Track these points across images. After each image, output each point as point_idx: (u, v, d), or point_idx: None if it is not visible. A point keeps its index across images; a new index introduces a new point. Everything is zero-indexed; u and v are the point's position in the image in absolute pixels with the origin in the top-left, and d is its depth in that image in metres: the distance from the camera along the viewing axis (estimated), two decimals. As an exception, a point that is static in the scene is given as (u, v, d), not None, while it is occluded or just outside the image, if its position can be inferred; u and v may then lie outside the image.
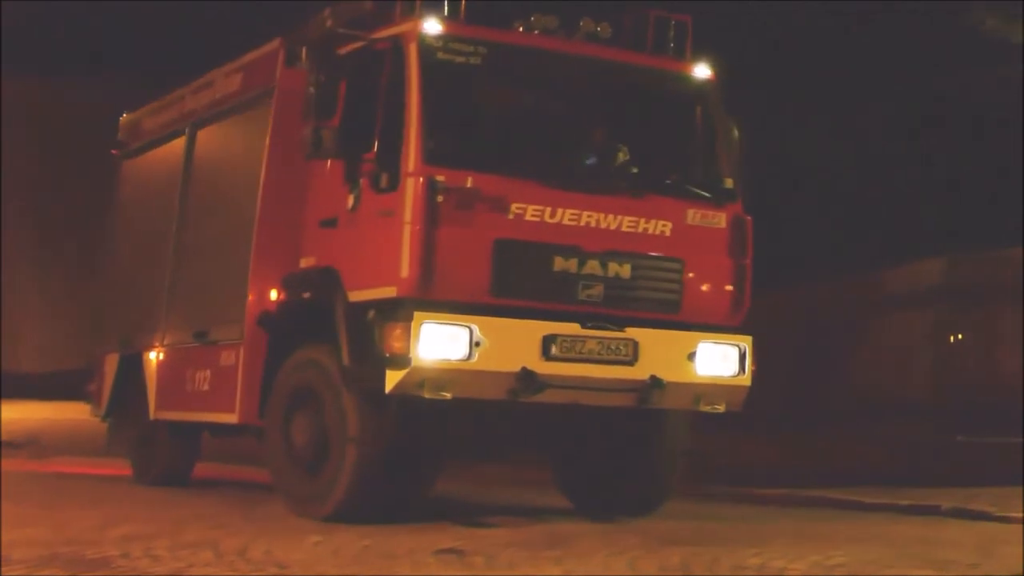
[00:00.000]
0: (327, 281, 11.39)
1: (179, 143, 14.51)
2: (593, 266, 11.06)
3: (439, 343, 10.55)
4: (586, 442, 12.28)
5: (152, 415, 14.14)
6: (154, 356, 14.22)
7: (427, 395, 10.61)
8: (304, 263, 11.92)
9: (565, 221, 11.03)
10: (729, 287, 11.55)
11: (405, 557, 9.43)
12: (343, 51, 11.29)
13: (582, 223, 11.08)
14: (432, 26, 11.05)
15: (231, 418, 12.52)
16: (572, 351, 10.94)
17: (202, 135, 14.14)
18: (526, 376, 10.74)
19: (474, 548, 9.78)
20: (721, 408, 11.50)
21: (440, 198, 10.62)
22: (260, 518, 11.58)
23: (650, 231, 11.29)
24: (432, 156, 10.69)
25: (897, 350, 23.18)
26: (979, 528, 12.34)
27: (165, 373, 14.03)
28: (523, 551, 9.72)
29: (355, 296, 11.13)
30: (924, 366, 23.23)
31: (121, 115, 16.26)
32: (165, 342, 14.13)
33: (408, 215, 10.64)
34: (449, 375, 10.60)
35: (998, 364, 20.37)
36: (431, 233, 10.61)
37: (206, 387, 13.08)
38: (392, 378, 10.59)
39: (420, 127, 10.73)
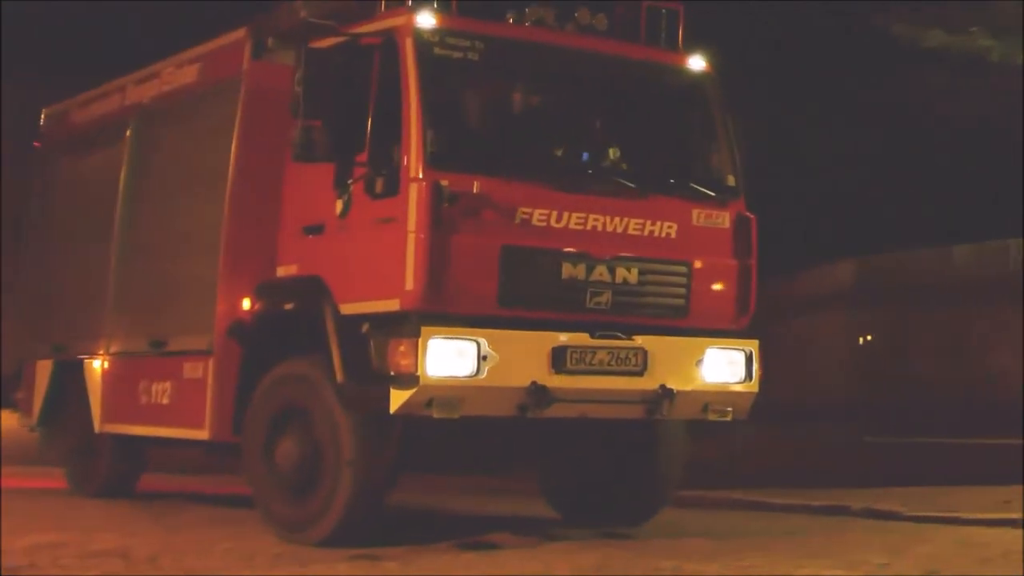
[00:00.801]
0: (313, 292, 10.66)
1: (119, 137, 13.62)
2: (601, 272, 10.48)
3: (447, 359, 9.92)
4: (582, 451, 11.74)
5: (97, 428, 13.32)
6: (98, 365, 13.40)
7: (436, 415, 9.99)
8: (283, 271, 11.18)
9: (572, 225, 10.43)
10: (735, 289, 11.05)
11: (319, 562, 9.36)
12: (326, 45, 10.54)
13: (588, 227, 10.50)
14: (426, 19, 10.35)
15: (200, 434, 11.77)
16: (582, 363, 10.37)
17: (149, 129, 13.30)
18: (537, 391, 10.15)
19: (391, 553, 9.80)
20: (728, 416, 11.02)
21: (445, 204, 9.99)
22: (174, 526, 11.39)
23: (656, 233, 10.74)
24: (435, 159, 10.02)
25: (812, 351, 23.08)
26: (889, 527, 12.43)
27: (112, 383, 13.23)
28: (442, 556, 9.80)
29: (347, 308, 10.43)
30: (838, 367, 23.24)
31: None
32: (111, 350, 13.29)
33: (412, 223, 9.95)
34: (457, 392, 9.97)
35: (910, 365, 20.30)
36: (437, 242, 9.94)
37: (166, 400, 12.31)
38: (398, 397, 9.92)
39: (421, 128, 10.04)
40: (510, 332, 10.11)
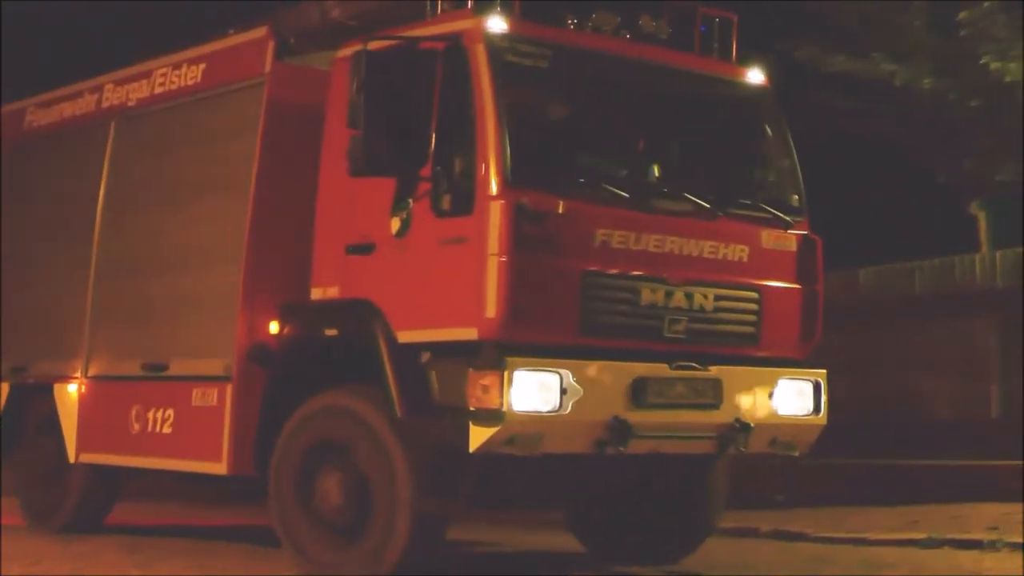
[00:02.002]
0: (365, 317, 9.80)
1: (96, 140, 12.54)
2: (679, 298, 9.79)
3: (531, 393, 9.10)
4: (630, 484, 11.03)
5: (73, 458, 12.21)
6: (74, 389, 12.30)
7: (518, 453, 9.22)
8: (318, 294, 10.28)
9: (650, 248, 9.74)
10: (802, 316, 10.45)
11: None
12: (382, 49, 9.64)
13: (665, 250, 9.80)
14: (497, 23, 9.57)
15: (215, 468, 10.80)
16: (661, 396, 9.65)
17: (135, 132, 12.25)
18: (618, 426, 9.41)
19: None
20: (795, 451, 10.41)
21: (526, 224, 9.21)
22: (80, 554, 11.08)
23: (729, 257, 10.08)
24: (515, 175, 9.24)
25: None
26: (796, 549, 12.56)
27: (93, 410, 12.18)
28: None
29: (405, 336, 9.61)
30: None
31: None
32: (90, 373, 12.20)
33: (493, 245, 9.13)
34: (540, 428, 9.19)
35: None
36: (519, 266, 9.14)
37: (168, 430, 11.29)
38: (479, 434, 9.10)
39: (499, 142, 9.23)
40: (592, 363, 9.35)
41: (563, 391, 9.19)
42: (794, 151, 10.61)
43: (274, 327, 10.64)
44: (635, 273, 9.64)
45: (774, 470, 14.78)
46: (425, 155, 9.46)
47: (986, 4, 18.01)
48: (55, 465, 12.55)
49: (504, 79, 9.39)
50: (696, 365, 9.83)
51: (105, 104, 12.62)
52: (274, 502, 10.36)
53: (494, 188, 9.19)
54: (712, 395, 9.90)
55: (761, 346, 10.23)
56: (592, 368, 9.33)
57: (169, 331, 11.44)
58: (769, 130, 10.68)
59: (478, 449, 9.14)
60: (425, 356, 9.55)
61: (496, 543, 12.28)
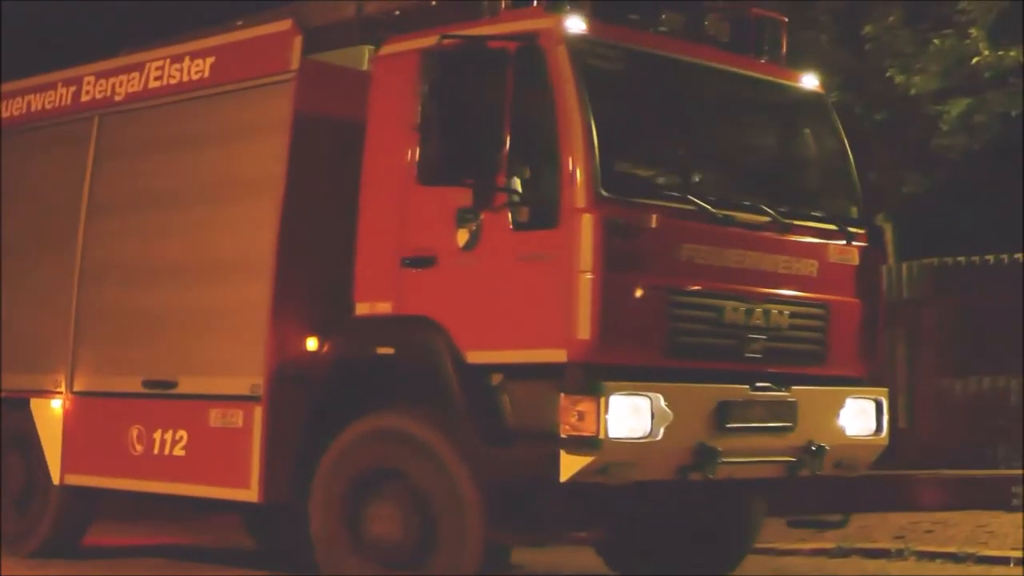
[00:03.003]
0: (428, 335, 9.15)
1: (76, 137, 11.65)
2: (758, 316, 9.29)
3: (627, 419, 8.53)
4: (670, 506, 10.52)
5: (57, 479, 11.32)
6: (57, 405, 11.39)
7: (612, 482, 8.69)
8: (366, 309, 9.59)
9: (730, 264, 9.24)
10: (865, 332, 10.05)
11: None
12: (447, 50, 8.95)
13: (745, 265, 9.32)
14: (576, 24, 8.99)
15: (243, 495, 10.05)
16: (743, 419, 9.15)
17: (125, 129, 11.39)
18: (704, 452, 8.90)
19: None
20: (856, 472, 10.04)
21: (616, 240, 8.64)
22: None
23: (800, 272, 9.62)
24: (606, 187, 8.67)
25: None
26: None
27: (81, 428, 11.30)
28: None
29: (475, 357, 8.99)
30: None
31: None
32: (75, 388, 11.31)
33: (584, 262, 8.53)
34: (634, 456, 8.65)
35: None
36: (611, 284, 8.58)
37: (180, 452, 10.47)
38: (572, 464, 8.49)
39: (587, 151, 8.64)
40: (680, 386, 8.82)
41: (653, 416, 8.66)
42: (852, 160, 10.21)
43: (312, 344, 9.94)
44: (720, 290, 9.14)
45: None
46: (498, 163, 8.83)
47: (891, 19, 17.98)
48: (26, 485, 11.69)
49: (587, 84, 8.80)
50: (775, 386, 9.38)
51: (86, 98, 11.69)
52: (315, 530, 9.65)
53: (583, 200, 8.60)
54: (788, 417, 9.45)
55: (827, 364, 9.81)
56: (681, 391, 8.81)
57: (177, 346, 10.60)
58: (829, 138, 10.26)
59: (570, 479, 8.57)
60: (496, 378, 8.96)
61: (521, 564, 11.72)
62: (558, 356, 8.62)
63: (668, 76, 9.53)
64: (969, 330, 16.80)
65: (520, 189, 8.83)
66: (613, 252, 8.59)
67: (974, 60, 17.48)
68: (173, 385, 10.57)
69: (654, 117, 9.55)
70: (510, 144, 8.82)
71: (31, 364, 11.57)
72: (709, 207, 9.14)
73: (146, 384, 10.73)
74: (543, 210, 8.75)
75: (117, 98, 11.45)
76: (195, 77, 10.87)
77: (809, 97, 10.28)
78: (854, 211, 10.14)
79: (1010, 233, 18.12)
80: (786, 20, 10.32)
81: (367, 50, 10.48)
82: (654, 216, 8.77)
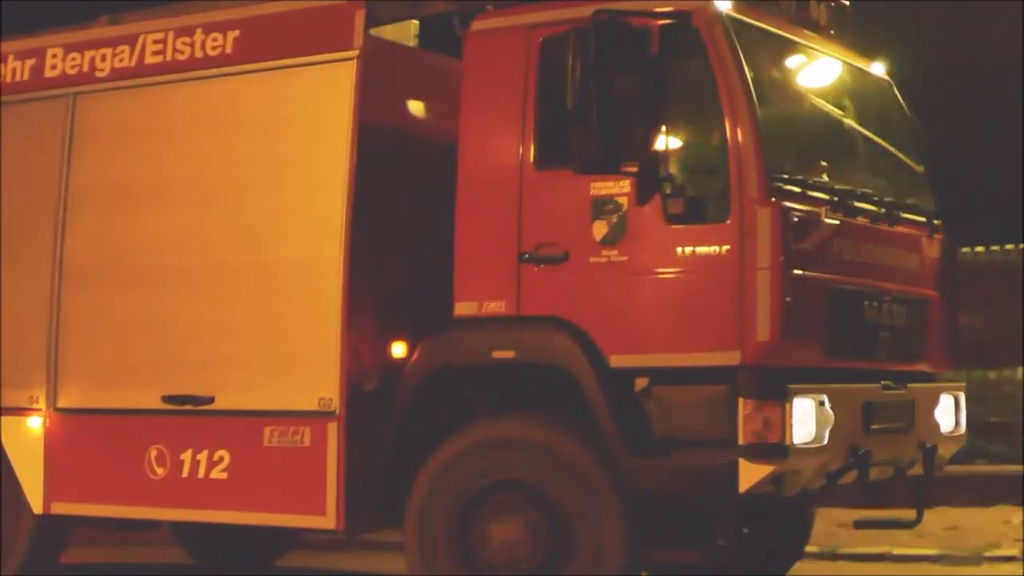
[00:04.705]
0: (563, 338, 8.43)
1: (47, 114, 10.31)
2: (887, 313, 8.95)
3: (804, 424, 8.11)
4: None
5: (41, 508, 10.06)
6: (35, 424, 10.11)
7: (787, 492, 8.22)
8: (470, 309, 8.78)
9: (867, 259, 8.84)
10: (949, 327, 9.80)
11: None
12: (601, 28, 8.17)
13: (876, 260, 8.94)
14: (726, 4, 8.42)
15: (319, 523, 9.11)
16: (883, 419, 8.80)
17: (109, 112, 10.15)
18: (860, 456, 8.51)
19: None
20: (941, 470, 9.78)
21: (792, 235, 8.13)
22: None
23: (909, 267, 9.35)
24: (778, 179, 8.16)
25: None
26: None
27: (70, 450, 10.06)
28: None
29: (619, 360, 8.35)
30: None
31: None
32: (59, 404, 10.04)
33: (764, 258, 7.99)
34: (805, 462, 8.21)
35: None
36: (789, 281, 8.07)
37: (222, 475, 9.38)
38: (753, 474, 7.99)
39: (758, 141, 8.10)
40: (840, 387, 8.42)
41: (820, 420, 8.21)
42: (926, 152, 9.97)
43: (399, 350, 9.06)
44: (871, 287, 8.76)
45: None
46: (657, 151, 8.20)
47: None
48: None
49: (747, 70, 8.25)
50: (895, 385, 9.04)
51: (66, 71, 10.35)
52: (415, 552, 8.81)
53: (757, 192, 8.06)
54: (909, 416, 9.16)
55: (924, 360, 9.55)
56: (841, 393, 8.41)
57: (212, 357, 9.49)
58: (909, 129, 9.96)
59: (750, 489, 8.03)
60: (640, 382, 8.33)
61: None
62: (730, 359, 8.08)
63: (798, 62, 9.07)
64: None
65: (682, 179, 8.21)
66: (789, 247, 8.08)
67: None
68: (208, 400, 9.46)
69: (797, 105, 9.09)
70: (668, 130, 8.23)
71: None
72: (869, 205, 8.79)
73: (169, 400, 9.57)
74: (708, 202, 8.18)
75: (100, 74, 10.20)
76: (212, 53, 9.74)
77: (886, 86, 9.96)
78: (933, 203, 9.86)
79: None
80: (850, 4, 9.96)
81: (413, 25, 9.71)
82: (824, 210, 8.31)
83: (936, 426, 9.48)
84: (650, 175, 8.21)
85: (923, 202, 9.71)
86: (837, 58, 9.41)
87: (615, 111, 8.09)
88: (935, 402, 9.48)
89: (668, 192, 8.20)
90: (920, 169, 9.88)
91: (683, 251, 8.22)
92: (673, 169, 8.23)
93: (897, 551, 12.55)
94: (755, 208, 8.03)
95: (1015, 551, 12.53)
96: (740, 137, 8.10)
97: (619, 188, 8.35)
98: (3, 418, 10.22)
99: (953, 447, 9.81)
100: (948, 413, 9.65)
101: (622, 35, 8.16)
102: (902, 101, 9.97)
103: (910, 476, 9.42)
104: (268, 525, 9.51)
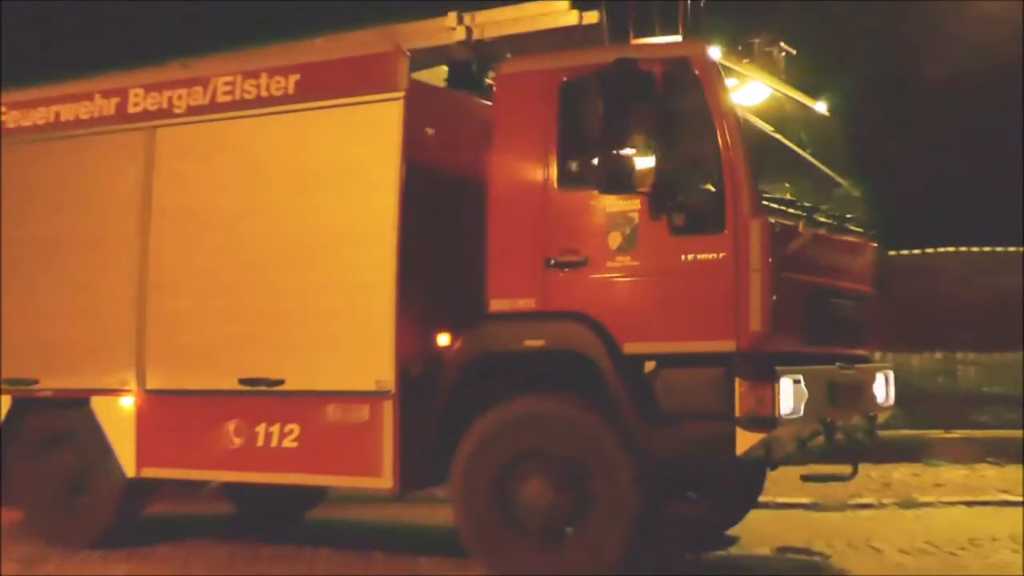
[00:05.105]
0: (585, 329, 10.23)
1: (132, 143, 12.08)
2: (845, 307, 10.94)
3: (789, 399, 9.96)
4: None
5: (133, 472, 11.81)
6: (128, 402, 11.83)
7: (774, 456, 10.14)
8: (504, 305, 10.56)
9: (829, 263, 10.81)
10: (879, 317, 11.81)
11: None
12: (620, 66, 9.98)
13: (835, 264, 10.92)
14: (716, 52, 10.31)
15: (378, 484, 10.86)
16: (842, 395, 10.75)
17: (188, 140, 11.90)
18: (828, 426, 10.41)
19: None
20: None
21: (775, 243, 10.01)
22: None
23: (855, 269, 11.31)
24: (763, 196, 10.06)
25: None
26: None
27: (159, 424, 11.77)
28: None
29: (632, 348, 10.16)
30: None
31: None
32: (148, 386, 11.76)
33: (756, 262, 9.82)
34: (787, 431, 10.10)
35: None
36: (776, 281, 9.93)
37: (292, 444, 11.09)
38: (747, 440, 9.84)
39: (749, 164, 9.93)
40: (810, 369, 10.25)
41: (798, 396, 10.06)
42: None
43: (443, 340, 10.84)
44: (833, 286, 10.73)
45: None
46: (667, 174, 10.00)
47: None
48: (73, 482, 12.11)
49: (736, 106, 10.15)
50: (846, 366, 10.98)
51: (134, 109, 12.12)
52: (461, 511, 10.60)
53: (749, 207, 9.88)
54: (860, 392, 11.11)
55: (866, 345, 11.54)
56: (812, 374, 10.22)
57: (280, 345, 11.20)
58: (844, 155, 11.88)
59: (745, 453, 9.90)
60: (649, 366, 10.15)
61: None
62: (726, 346, 9.92)
63: (769, 101, 10.97)
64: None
65: (684, 196, 10.05)
66: (775, 253, 9.94)
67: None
68: (279, 382, 11.16)
69: (765, 134, 10.93)
70: (673, 155, 10.04)
71: (87, 365, 11.89)
72: (827, 220, 10.73)
73: (244, 382, 11.26)
74: (706, 215, 9.98)
75: (176, 110, 11.89)
76: (278, 93, 11.45)
77: (827, 119, 11.90)
78: (867, 216, 11.84)
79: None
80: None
81: (443, 69, 11.49)
82: (800, 222, 10.21)
83: (875, 399, 11.47)
84: (659, 193, 10.05)
85: (861, 215, 11.69)
86: (793, 96, 11.37)
87: (631, 140, 9.94)
88: (873, 379, 11.48)
89: (673, 207, 10.05)
90: (857, 192, 11.84)
91: (686, 257, 10.03)
92: (677, 188, 10.06)
93: (780, 499, 14.31)
94: (748, 221, 9.88)
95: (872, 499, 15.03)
96: (733, 160, 9.93)
97: (632, 204, 10.15)
98: (96, 399, 11.93)
99: (887, 415, 11.83)
100: (882, 388, 11.66)
101: (636, 77, 9.99)
102: (841, 133, 11.95)
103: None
104: (333, 485, 11.18)
